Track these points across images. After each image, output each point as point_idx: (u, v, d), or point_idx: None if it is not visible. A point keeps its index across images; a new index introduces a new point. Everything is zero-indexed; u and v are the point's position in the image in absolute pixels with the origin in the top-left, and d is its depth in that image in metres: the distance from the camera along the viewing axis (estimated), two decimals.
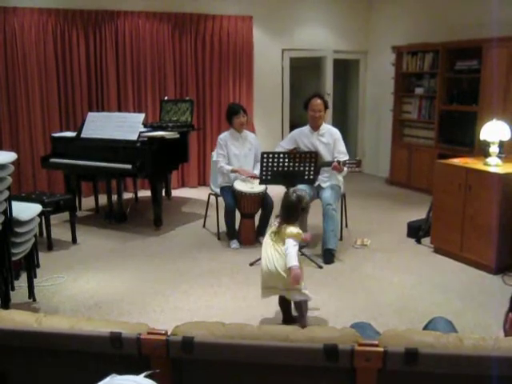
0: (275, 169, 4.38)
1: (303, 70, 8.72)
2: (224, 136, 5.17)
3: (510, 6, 5.83)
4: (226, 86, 7.48)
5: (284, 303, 3.40)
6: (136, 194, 6.66)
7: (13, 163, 3.20)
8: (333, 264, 4.52)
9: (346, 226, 5.35)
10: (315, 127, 4.87)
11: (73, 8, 6.52)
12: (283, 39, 7.82)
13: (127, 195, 6.44)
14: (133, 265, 4.51)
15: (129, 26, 6.82)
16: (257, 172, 4.77)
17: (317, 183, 4.76)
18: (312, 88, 7.98)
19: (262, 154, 4.41)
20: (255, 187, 4.85)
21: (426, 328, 2.18)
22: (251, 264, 4.42)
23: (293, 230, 3.18)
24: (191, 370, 1.60)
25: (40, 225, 4.75)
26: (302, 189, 3.88)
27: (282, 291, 3.24)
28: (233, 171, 5.02)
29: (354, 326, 2.20)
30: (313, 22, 7.93)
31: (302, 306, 3.31)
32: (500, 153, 4.43)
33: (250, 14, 7.46)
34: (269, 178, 4.43)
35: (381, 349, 1.48)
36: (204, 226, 5.55)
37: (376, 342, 1.50)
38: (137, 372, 1.11)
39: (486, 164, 4.39)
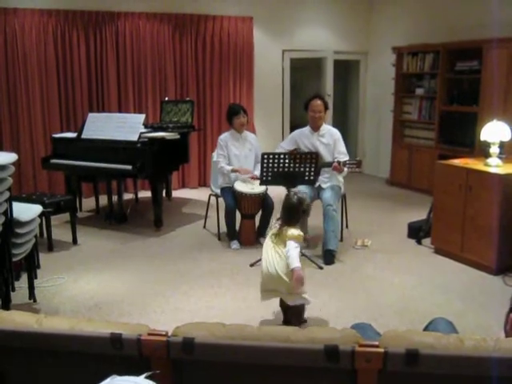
0: (276, 169, 4.38)
1: (304, 71, 8.73)
2: (224, 136, 5.18)
3: (511, 7, 5.83)
4: (226, 86, 7.49)
5: (285, 304, 3.39)
6: (136, 195, 6.67)
7: (13, 164, 3.20)
8: (333, 265, 4.52)
9: (347, 226, 5.34)
10: (315, 128, 4.87)
11: (73, 9, 6.53)
12: (284, 40, 7.83)
13: (127, 196, 6.45)
14: (133, 266, 4.51)
15: (129, 27, 6.83)
16: (257, 173, 4.77)
17: (317, 184, 4.76)
18: (312, 89, 7.98)
19: (263, 154, 4.42)
20: (256, 188, 4.85)
21: (426, 329, 2.18)
22: (251, 265, 4.42)
23: (294, 232, 3.17)
24: (192, 371, 1.60)
25: (40, 226, 4.75)
26: (303, 191, 3.88)
27: (283, 294, 3.23)
28: (233, 171, 5.02)
29: (355, 326, 2.20)
30: (313, 23, 7.93)
31: (299, 309, 3.30)
32: (500, 153, 4.43)
33: (250, 14, 7.47)
34: (269, 178, 4.43)
35: (381, 350, 1.47)
36: (204, 226, 5.55)
37: (376, 343, 1.50)
38: (137, 373, 1.11)
39: (486, 165, 4.39)
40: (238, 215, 5.00)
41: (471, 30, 6.23)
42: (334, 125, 6.24)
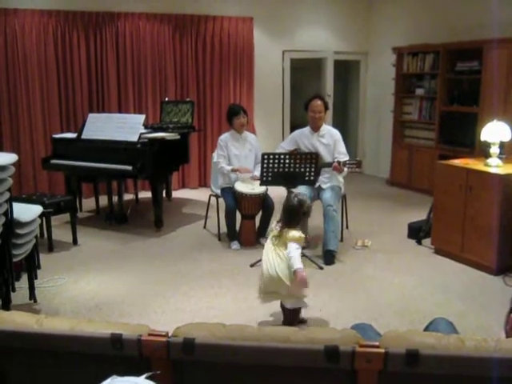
0: (276, 170, 4.38)
1: (304, 71, 8.73)
2: (224, 137, 5.18)
3: (511, 7, 5.83)
4: (226, 87, 7.49)
5: None
6: (137, 195, 6.67)
7: (13, 164, 3.20)
8: (333, 265, 4.52)
9: (347, 226, 5.34)
10: (315, 128, 4.87)
11: (73, 10, 6.53)
12: (284, 40, 7.83)
13: (128, 196, 6.44)
14: (133, 266, 4.51)
15: (129, 28, 6.83)
16: (257, 173, 4.77)
17: (317, 184, 4.76)
18: (312, 89, 7.98)
19: (263, 155, 4.42)
20: (256, 188, 4.85)
21: (426, 329, 2.17)
22: (252, 265, 4.41)
23: (295, 233, 3.17)
24: (192, 372, 1.60)
25: (41, 226, 4.74)
26: (303, 192, 3.88)
27: (282, 296, 3.23)
28: (233, 170, 5.02)
29: (355, 327, 2.20)
30: (313, 23, 7.93)
31: (296, 313, 3.28)
32: (501, 154, 4.43)
33: (250, 15, 7.47)
34: (269, 179, 4.43)
35: (382, 350, 1.47)
36: (205, 227, 5.55)
37: (377, 344, 1.50)
38: (137, 373, 1.11)
39: (486, 165, 4.39)
40: (239, 216, 5.00)
41: (471, 31, 6.23)
42: (334, 125, 6.24)
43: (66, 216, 5.12)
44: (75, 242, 5.03)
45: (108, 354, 1.55)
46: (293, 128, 6.70)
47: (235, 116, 5.08)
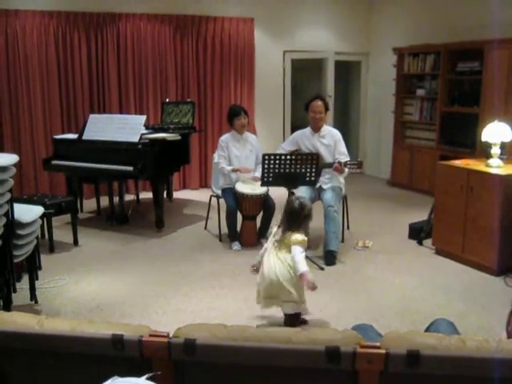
0: (277, 170, 4.38)
1: (304, 72, 8.73)
2: (225, 137, 5.18)
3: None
4: (227, 87, 7.49)
5: None
6: (137, 196, 6.67)
7: (14, 165, 3.20)
8: (334, 266, 4.52)
9: (348, 227, 5.34)
10: (316, 129, 4.87)
11: (74, 10, 6.53)
12: (284, 41, 7.83)
13: (129, 197, 6.45)
14: (134, 267, 4.51)
15: (130, 29, 6.83)
16: (258, 174, 4.77)
17: (318, 185, 4.76)
18: (313, 90, 7.98)
19: (264, 155, 4.42)
20: (257, 189, 4.85)
21: (427, 330, 2.17)
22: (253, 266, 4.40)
23: (298, 237, 3.17)
24: (193, 372, 1.60)
25: (42, 227, 4.75)
26: (303, 195, 3.88)
27: (282, 302, 3.20)
28: (233, 170, 5.02)
29: (356, 327, 2.20)
30: (314, 24, 7.93)
31: (294, 318, 3.26)
32: (502, 154, 4.43)
33: (251, 15, 7.47)
34: (270, 179, 4.43)
35: (383, 351, 1.47)
36: (205, 227, 5.55)
37: (378, 344, 1.50)
38: (138, 374, 1.11)
39: (487, 165, 4.39)
40: (239, 216, 5.00)
41: (472, 31, 6.23)
42: (335, 126, 6.25)
43: (67, 217, 5.12)
44: (76, 242, 5.03)
45: (109, 355, 1.55)
46: (293, 129, 6.70)
47: (236, 117, 5.08)
